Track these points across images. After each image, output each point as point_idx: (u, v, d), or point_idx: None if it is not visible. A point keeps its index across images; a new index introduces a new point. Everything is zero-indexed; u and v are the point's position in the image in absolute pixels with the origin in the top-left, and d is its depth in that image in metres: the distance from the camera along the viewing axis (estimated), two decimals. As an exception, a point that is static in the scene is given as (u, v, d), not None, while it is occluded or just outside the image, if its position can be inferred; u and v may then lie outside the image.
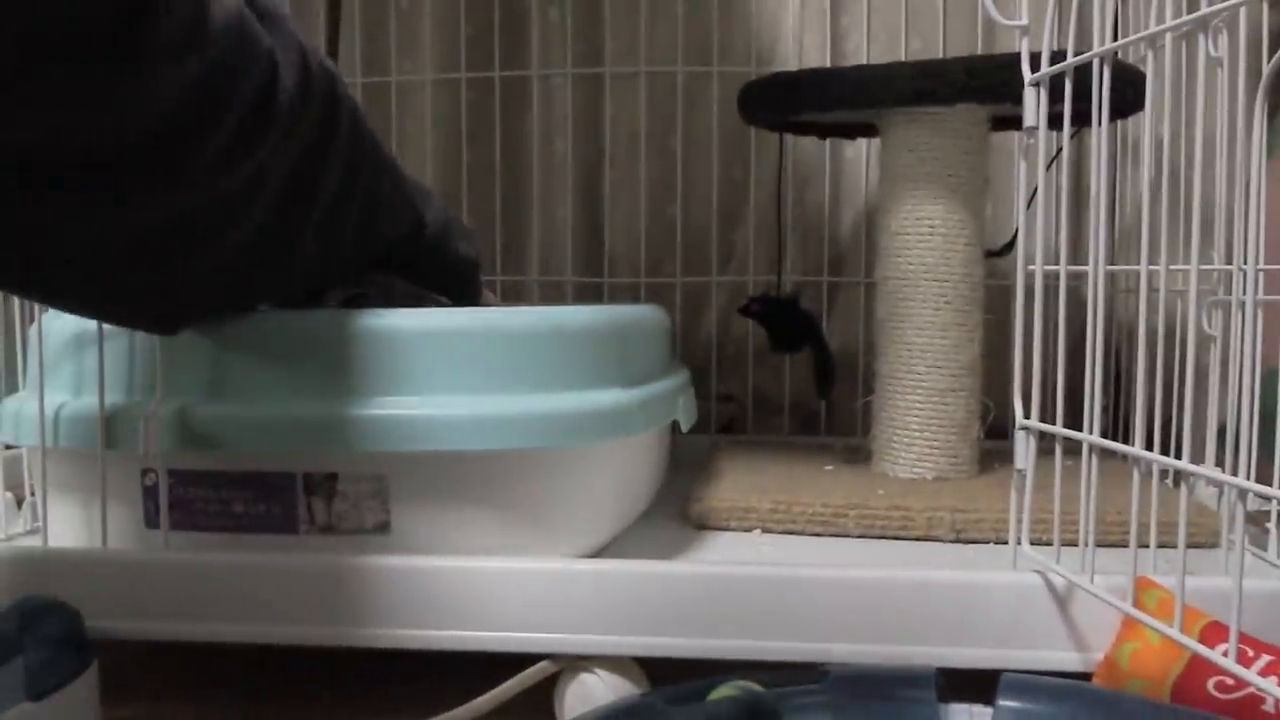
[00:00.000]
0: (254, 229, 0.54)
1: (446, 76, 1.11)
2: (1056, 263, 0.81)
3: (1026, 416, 0.55)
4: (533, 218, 1.13)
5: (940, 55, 1.08)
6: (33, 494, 0.72)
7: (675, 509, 0.80)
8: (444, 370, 0.60)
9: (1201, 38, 0.45)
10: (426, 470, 0.60)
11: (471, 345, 0.61)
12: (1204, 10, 0.44)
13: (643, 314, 0.76)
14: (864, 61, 1.09)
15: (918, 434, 0.86)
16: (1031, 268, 0.54)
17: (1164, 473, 0.48)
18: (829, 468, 0.91)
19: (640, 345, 0.73)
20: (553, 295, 1.12)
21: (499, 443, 0.59)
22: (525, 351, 0.61)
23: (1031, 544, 0.60)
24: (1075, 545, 0.55)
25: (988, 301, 0.88)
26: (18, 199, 0.45)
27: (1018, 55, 0.62)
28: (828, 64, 1.09)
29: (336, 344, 0.60)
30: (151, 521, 0.62)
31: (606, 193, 1.13)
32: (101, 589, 0.59)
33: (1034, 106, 0.54)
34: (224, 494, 0.61)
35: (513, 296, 1.12)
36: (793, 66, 1.10)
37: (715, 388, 1.12)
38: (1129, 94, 0.69)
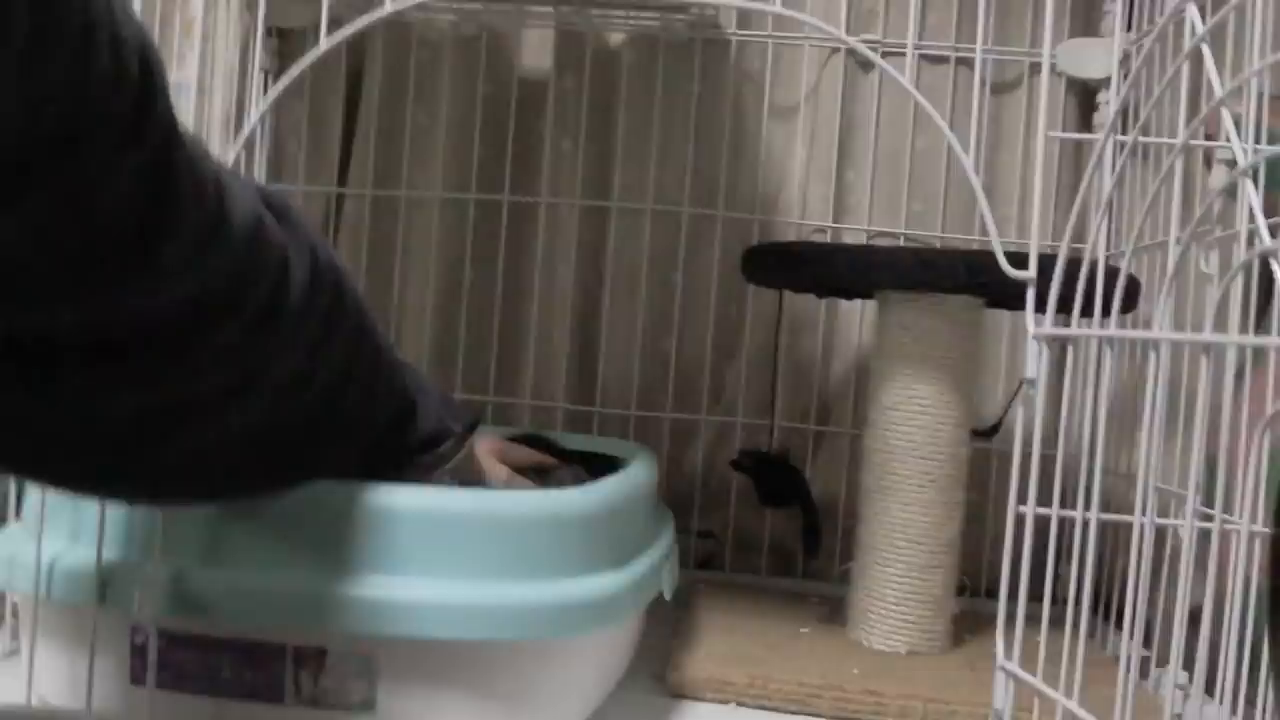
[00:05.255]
0: (250, 421, 0.55)
1: (456, 196, 1.13)
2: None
3: (1008, 658, 0.57)
4: (529, 341, 1.14)
5: (940, 215, 1.11)
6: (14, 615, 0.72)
7: (652, 668, 0.81)
8: (439, 552, 0.60)
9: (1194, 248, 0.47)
10: (414, 652, 0.60)
11: (467, 529, 0.61)
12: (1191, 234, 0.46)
13: (637, 480, 0.77)
14: (866, 218, 1.12)
15: (894, 607, 0.88)
16: (1022, 508, 0.56)
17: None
18: (805, 630, 0.92)
19: (633, 518, 0.74)
20: (544, 420, 1.13)
21: (488, 633, 0.60)
22: (521, 538, 0.62)
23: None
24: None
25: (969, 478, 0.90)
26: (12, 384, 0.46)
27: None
28: (830, 218, 1.12)
29: (333, 516, 0.61)
30: (137, 678, 0.62)
31: (604, 322, 1.15)
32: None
33: (1035, 360, 0.56)
34: (212, 658, 0.62)
35: (504, 419, 1.13)
36: (796, 216, 1.13)
37: (696, 523, 1.13)
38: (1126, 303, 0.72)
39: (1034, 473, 0.55)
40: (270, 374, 0.54)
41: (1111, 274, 0.70)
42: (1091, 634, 0.96)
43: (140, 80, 0.41)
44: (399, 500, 0.61)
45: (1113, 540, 0.89)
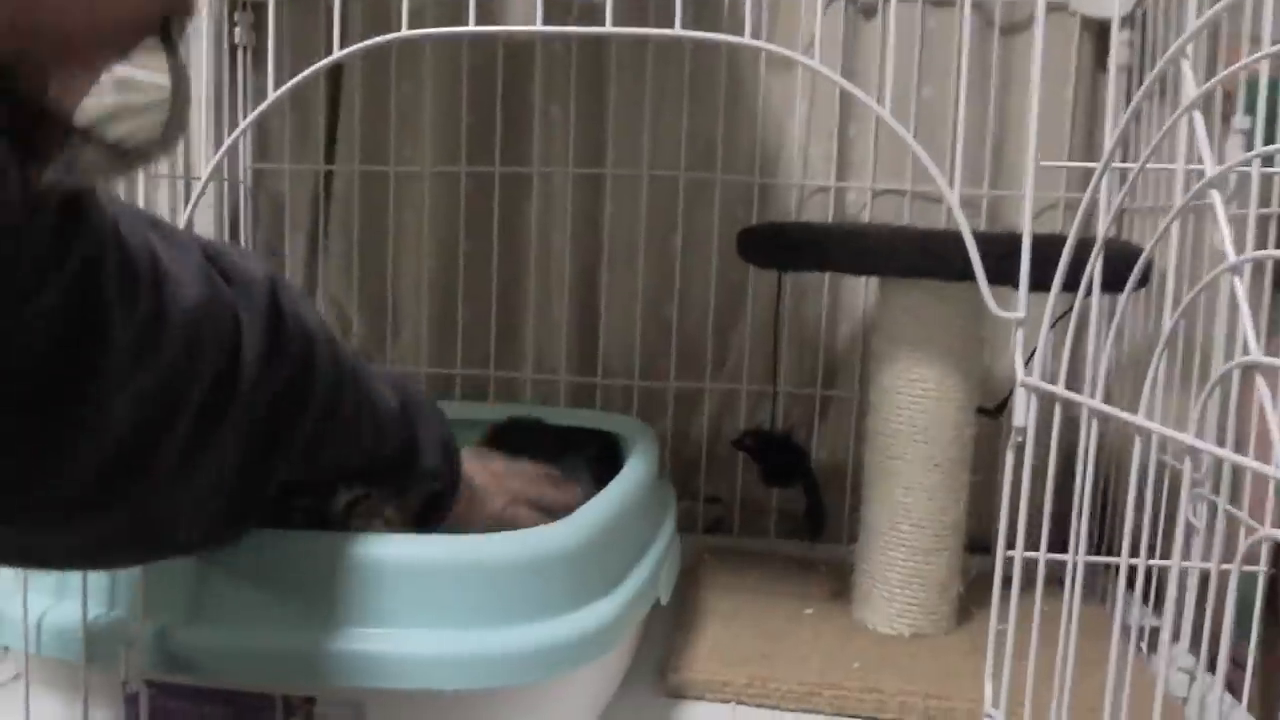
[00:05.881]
0: (220, 497, 0.55)
1: (446, 169, 1.10)
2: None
3: (995, 705, 0.56)
4: (528, 313, 1.13)
5: (949, 165, 1.06)
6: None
7: (654, 663, 0.81)
8: (423, 603, 0.60)
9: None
10: (402, 703, 0.60)
11: (450, 578, 0.61)
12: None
13: (632, 486, 0.76)
14: (869, 177, 1.08)
15: (898, 589, 0.87)
16: (1011, 553, 0.54)
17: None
18: (809, 611, 0.91)
19: (625, 534, 0.73)
20: (546, 393, 1.12)
21: (475, 683, 0.60)
22: (504, 583, 0.61)
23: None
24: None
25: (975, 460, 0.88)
26: None
27: (1019, 240, 0.62)
28: (833, 177, 1.08)
29: (315, 569, 0.60)
30: (132, 726, 0.63)
31: (603, 292, 1.12)
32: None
33: (1024, 407, 0.53)
34: (203, 709, 0.62)
35: (506, 393, 1.12)
36: (796, 178, 1.09)
37: (703, 489, 1.12)
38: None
39: (1021, 519, 0.53)
40: (230, 438, 0.53)
41: (1120, 255, 0.67)
42: (1102, 599, 0.96)
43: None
44: (381, 552, 0.61)
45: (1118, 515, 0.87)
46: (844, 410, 1.10)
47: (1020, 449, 0.53)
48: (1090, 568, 0.92)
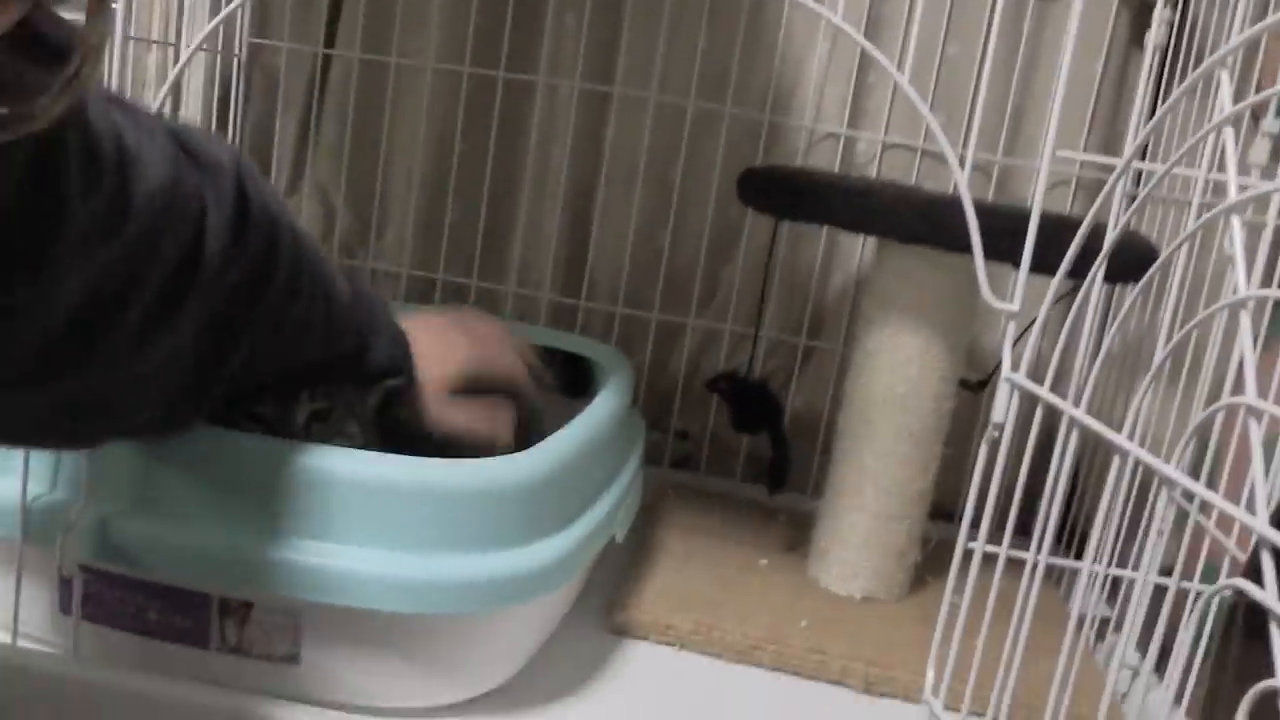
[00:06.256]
0: (172, 380, 0.53)
1: (449, 67, 1.06)
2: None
3: (934, 694, 0.55)
4: (517, 224, 1.10)
5: (964, 128, 1.03)
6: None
7: (600, 599, 0.80)
8: (369, 521, 0.59)
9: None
10: (340, 616, 0.59)
11: (401, 499, 0.59)
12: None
13: (597, 422, 0.75)
14: (882, 128, 1.05)
15: (854, 552, 0.87)
16: (972, 544, 0.53)
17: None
18: (764, 562, 0.91)
19: (586, 471, 0.71)
20: (528, 310, 1.10)
21: (415, 607, 0.59)
22: (455, 510, 0.60)
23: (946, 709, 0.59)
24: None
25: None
26: None
27: (1028, 215, 0.59)
28: (845, 123, 1.05)
29: (265, 474, 0.59)
30: (65, 609, 0.62)
31: (597, 213, 1.10)
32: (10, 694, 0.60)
33: (1005, 402, 0.52)
34: (139, 600, 0.61)
35: (487, 305, 1.09)
36: (809, 119, 1.06)
37: (674, 423, 1.11)
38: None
39: (987, 512, 0.52)
40: (188, 324, 0.52)
41: (1128, 247, 0.64)
42: (1058, 581, 0.96)
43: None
44: (335, 465, 0.59)
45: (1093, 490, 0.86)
46: (826, 362, 1.09)
47: (995, 444, 0.51)
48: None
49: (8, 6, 0.29)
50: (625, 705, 0.69)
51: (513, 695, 0.66)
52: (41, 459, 0.60)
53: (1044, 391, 0.49)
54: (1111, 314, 0.94)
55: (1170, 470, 0.38)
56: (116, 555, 0.59)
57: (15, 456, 0.60)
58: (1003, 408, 0.51)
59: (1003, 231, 0.65)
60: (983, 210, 0.64)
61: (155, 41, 0.92)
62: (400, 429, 0.67)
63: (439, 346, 0.70)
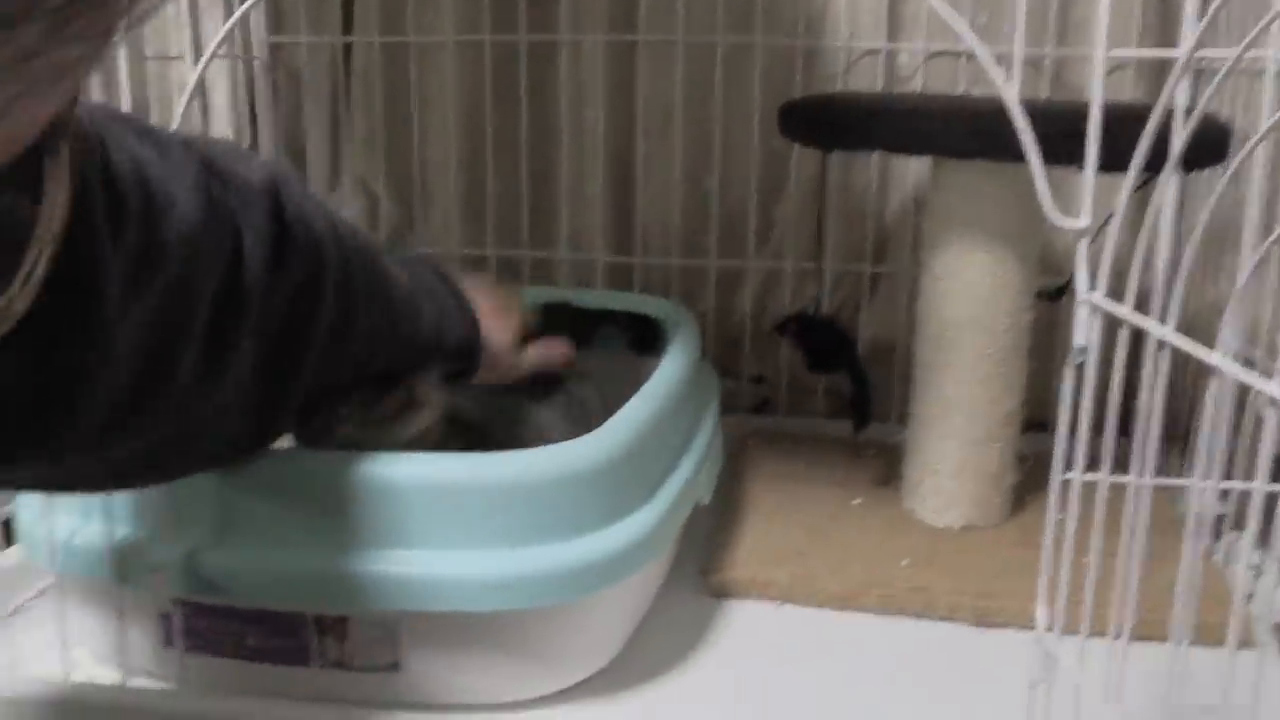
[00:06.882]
0: (241, 410, 0.53)
1: (469, 38, 1.03)
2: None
3: (1049, 628, 0.53)
4: (560, 190, 1.07)
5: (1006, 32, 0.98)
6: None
7: (696, 561, 0.79)
8: (450, 524, 0.58)
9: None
10: (437, 620, 0.59)
11: (478, 497, 0.58)
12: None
13: (667, 385, 0.73)
14: (923, 37, 1.00)
15: (948, 481, 0.84)
16: (1068, 475, 0.51)
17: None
18: (856, 502, 0.89)
19: (660, 440, 0.70)
20: (583, 274, 1.08)
21: (509, 604, 0.58)
22: (534, 502, 0.59)
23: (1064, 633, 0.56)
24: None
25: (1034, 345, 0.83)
26: None
27: (1087, 115, 0.55)
28: (884, 37, 1.00)
29: (341, 491, 0.58)
30: (168, 642, 0.63)
31: (639, 166, 1.07)
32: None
33: (1085, 326, 0.49)
34: (237, 627, 0.61)
35: (542, 275, 1.08)
36: (845, 37, 1.01)
37: (747, 369, 1.09)
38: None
39: (1081, 447, 0.49)
40: (245, 356, 0.51)
41: (1201, 130, 0.60)
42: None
43: None
44: (408, 472, 0.59)
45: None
46: (895, 286, 1.05)
47: (1080, 370, 0.48)
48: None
49: None
50: (733, 669, 0.68)
51: (619, 674, 0.66)
52: (122, 500, 0.61)
53: (1126, 311, 0.46)
54: (1184, 208, 0.89)
55: (1274, 387, 0.35)
56: (207, 587, 0.59)
57: (95, 501, 0.60)
58: (1083, 331, 0.48)
59: (1062, 134, 0.61)
60: (1037, 114, 0.60)
61: (173, 57, 0.91)
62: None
63: (494, 300, 0.71)
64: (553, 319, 0.86)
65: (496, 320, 0.71)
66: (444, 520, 0.58)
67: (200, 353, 0.48)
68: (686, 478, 0.71)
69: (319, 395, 0.59)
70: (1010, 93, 0.50)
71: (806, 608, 0.76)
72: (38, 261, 0.34)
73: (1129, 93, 0.97)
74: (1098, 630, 0.51)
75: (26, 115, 0.23)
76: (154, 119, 0.89)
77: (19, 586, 0.74)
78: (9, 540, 0.67)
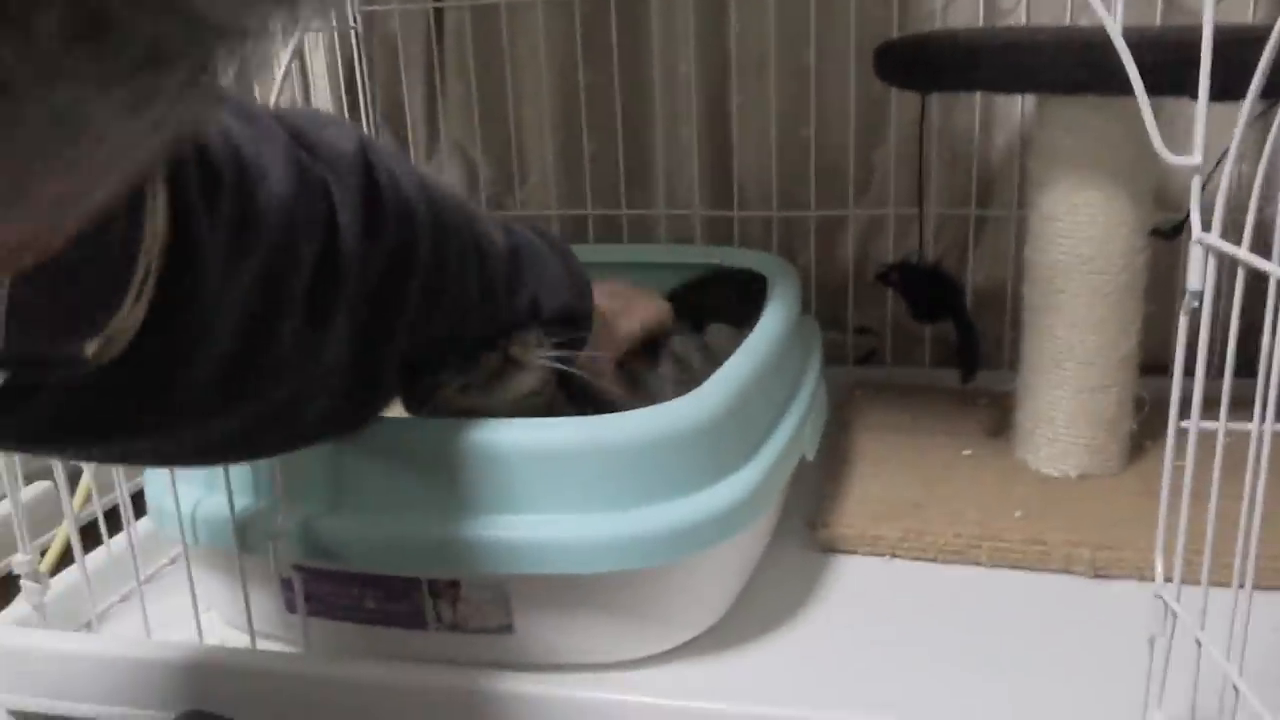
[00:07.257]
0: (340, 379, 0.54)
1: (558, -4, 1.03)
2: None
3: (1168, 579, 0.51)
4: (656, 144, 1.07)
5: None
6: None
7: (804, 513, 0.78)
8: (558, 487, 0.59)
9: None
10: (547, 582, 0.60)
11: (583, 460, 0.59)
12: None
13: (768, 341, 0.72)
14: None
15: (1062, 429, 0.82)
16: (1185, 423, 0.49)
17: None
18: (967, 453, 0.87)
19: (762, 396, 0.69)
20: (681, 229, 1.07)
21: (617, 565, 0.59)
22: (639, 463, 0.59)
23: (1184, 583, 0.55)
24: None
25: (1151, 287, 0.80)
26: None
27: (1198, 40, 0.52)
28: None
29: (451, 458, 0.59)
30: (291, 607, 0.65)
31: (734, 118, 1.05)
32: (252, 691, 0.63)
33: (1199, 269, 0.46)
34: (355, 591, 0.63)
35: (640, 231, 1.07)
36: (943, -27, 0.98)
37: (852, 320, 1.07)
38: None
39: (1197, 397, 0.47)
40: (342, 325, 0.52)
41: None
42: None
43: None
44: (515, 437, 0.59)
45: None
46: (1001, 230, 1.02)
47: (1196, 314, 0.46)
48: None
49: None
50: (844, 624, 0.68)
51: (729, 631, 0.66)
52: (239, 472, 0.63)
53: (1243, 252, 0.44)
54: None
55: None
56: (325, 553, 0.61)
57: (218, 474, 0.62)
58: (1198, 274, 0.46)
59: (1171, 63, 0.58)
60: (1145, 43, 0.57)
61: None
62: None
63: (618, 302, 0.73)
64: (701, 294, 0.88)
65: (624, 306, 0.73)
66: (551, 484, 0.59)
67: (301, 321, 0.48)
68: (790, 433, 0.70)
69: (417, 362, 0.60)
70: (1112, 20, 0.47)
71: (917, 562, 0.75)
72: (147, 276, 0.35)
73: (1247, 15, 0.92)
74: (1219, 581, 0.49)
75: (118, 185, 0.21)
76: (254, 93, 0.90)
77: (152, 555, 0.77)
78: (140, 512, 0.70)
